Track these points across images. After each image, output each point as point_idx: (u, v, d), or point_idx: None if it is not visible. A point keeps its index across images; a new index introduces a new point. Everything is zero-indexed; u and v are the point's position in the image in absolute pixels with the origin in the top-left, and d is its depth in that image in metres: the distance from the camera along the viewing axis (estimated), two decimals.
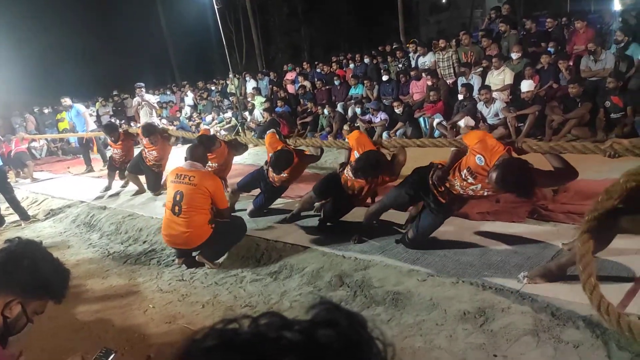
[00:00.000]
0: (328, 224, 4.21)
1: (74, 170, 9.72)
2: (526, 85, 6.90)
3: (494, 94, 7.31)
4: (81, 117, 9.24)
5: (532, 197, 3.76)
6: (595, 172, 4.29)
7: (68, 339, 2.98)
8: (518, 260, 3.08)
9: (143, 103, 9.27)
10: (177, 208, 3.74)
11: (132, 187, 6.68)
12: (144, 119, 9.26)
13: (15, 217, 6.31)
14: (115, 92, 16.46)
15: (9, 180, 6.60)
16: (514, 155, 2.94)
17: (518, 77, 7.40)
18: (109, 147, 8.18)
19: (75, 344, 2.92)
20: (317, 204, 4.59)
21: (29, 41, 22.63)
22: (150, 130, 6.20)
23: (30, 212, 6.50)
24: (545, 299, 2.53)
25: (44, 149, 13.14)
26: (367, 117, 8.70)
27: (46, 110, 14.79)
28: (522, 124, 6.89)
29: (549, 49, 7.75)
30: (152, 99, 10.04)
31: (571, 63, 7.25)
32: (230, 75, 12.61)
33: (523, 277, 2.77)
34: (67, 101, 9.28)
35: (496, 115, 7.21)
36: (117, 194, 6.69)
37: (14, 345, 1.56)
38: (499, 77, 7.62)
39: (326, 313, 0.57)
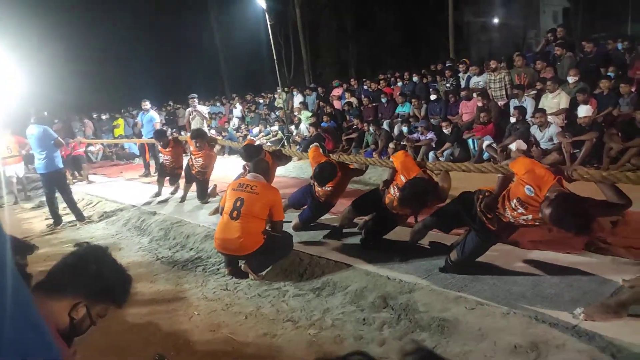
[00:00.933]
0: (371, 242, 4.18)
1: (126, 175, 10.16)
2: (583, 111, 6.64)
3: (549, 118, 7.07)
4: (151, 125, 9.67)
5: (589, 234, 3.58)
6: None
7: (119, 339, 3.09)
8: (574, 295, 2.94)
9: (195, 113, 9.60)
10: (235, 213, 3.84)
11: (180, 193, 6.88)
12: (200, 117, 9.66)
13: (72, 217, 6.64)
14: (170, 102, 17.21)
15: (67, 181, 6.99)
16: (565, 184, 2.83)
17: (574, 102, 7.13)
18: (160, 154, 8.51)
19: (125, 343, 3.02)
20: (358, 222, 4.57)
21: (91, 50, 24.00)
22: (198, 133, 6.40)
23: (85, 214, 6.83)
24: (605, 338, 2.39)
25: (100, 153, 13.82)
26: (415, 135, 8.60)
27: (104, 117, 15.60)
28: (577, 151, 6.62)
29: (608, 73, 7.44)
30: (204, 109, 10.39)
31: (633, 89, 6.92)
32: (279, 89, 12.85)
33: (579, 313, 2.64)
34: (147, 105, 9.92)
35: (550, 140, 6.96)
36: (166, 200, 6.91)
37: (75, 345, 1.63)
38: (554, 101, 7.37)
39: None
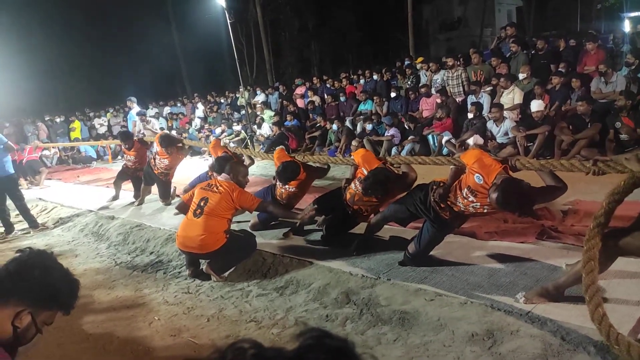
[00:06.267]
0: (332, 238, 4.20)
1: (83, 179, 9.81)
2: (536, 105, 6.90)
3: (504, 113, 7.31)
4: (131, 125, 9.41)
5: (533, 216, 3.77)
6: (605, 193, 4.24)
7: (73, 349, 2.98)
8: (527, 282, 3.05)
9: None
10: (198, 211, 3.80)
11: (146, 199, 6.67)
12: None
13: (25, 224, 6.35)
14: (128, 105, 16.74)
15: (20, 187, 6.67)
16: (510, 172, 2.97)
17: (528, 97, 7.40)
18: (119, 156, 8.23)
19: (80, 354, 2.92)
20: (319, 219, 4.58)
21: (43, 51, 23.07)
22: (168, 141, 6.23)
23: (39, 220, 6.54)
24: (556, 322, 2.49)
25: (55, 157, 13.27)
26: (388, 132, 8.66)
27: (58, 120, 14.98)
28: (531, 144, 6.87)
29: (559, 69, 7.76)
30: (156, 124, 10.03)
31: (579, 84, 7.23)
32: (241, 89, 12.72)
33: (521, 297, 2.76)
34: (131, 103, 9.67)
35: (506, 134, 7.20)
36: (125, 204, 6.71)
37: (21, 355, 1.56)
38: (509, 97, 7.62)
39: (315, 341, 0.57)
